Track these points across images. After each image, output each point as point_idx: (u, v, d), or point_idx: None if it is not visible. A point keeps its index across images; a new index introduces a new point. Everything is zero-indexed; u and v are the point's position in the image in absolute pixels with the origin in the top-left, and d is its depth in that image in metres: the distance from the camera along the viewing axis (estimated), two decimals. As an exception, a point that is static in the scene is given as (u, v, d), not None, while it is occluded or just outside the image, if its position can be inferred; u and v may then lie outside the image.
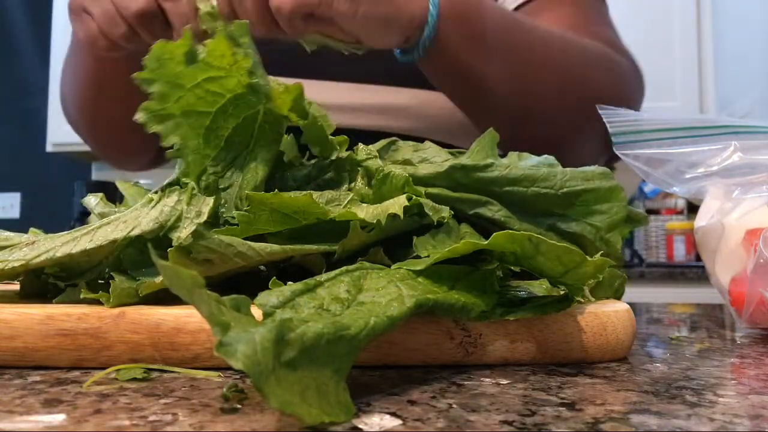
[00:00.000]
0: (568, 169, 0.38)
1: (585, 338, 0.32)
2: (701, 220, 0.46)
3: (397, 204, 0.33)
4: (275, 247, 0.33)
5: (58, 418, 0.22)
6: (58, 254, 0.32)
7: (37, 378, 0.28)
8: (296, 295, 0.26)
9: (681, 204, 2.51)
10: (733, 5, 2.44)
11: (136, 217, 0.33)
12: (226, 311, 0.21)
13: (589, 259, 0.30)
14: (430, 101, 0.71)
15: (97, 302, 0.32)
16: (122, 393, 0.26)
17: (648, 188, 2.52)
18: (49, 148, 2.77)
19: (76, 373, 0.30)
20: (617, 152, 0.47)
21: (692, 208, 2.42)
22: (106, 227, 0.33)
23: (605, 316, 0.33)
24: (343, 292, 0.27)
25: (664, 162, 0.47)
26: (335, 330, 0.23)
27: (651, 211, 2.55)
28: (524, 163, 0.39)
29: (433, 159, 0.39)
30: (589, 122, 0.59)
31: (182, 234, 0.32)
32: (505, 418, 0.23)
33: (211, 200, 0.34)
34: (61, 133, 2.69)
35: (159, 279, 0.32)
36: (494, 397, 0.26)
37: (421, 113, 0.70)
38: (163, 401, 0.24)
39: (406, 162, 0.39)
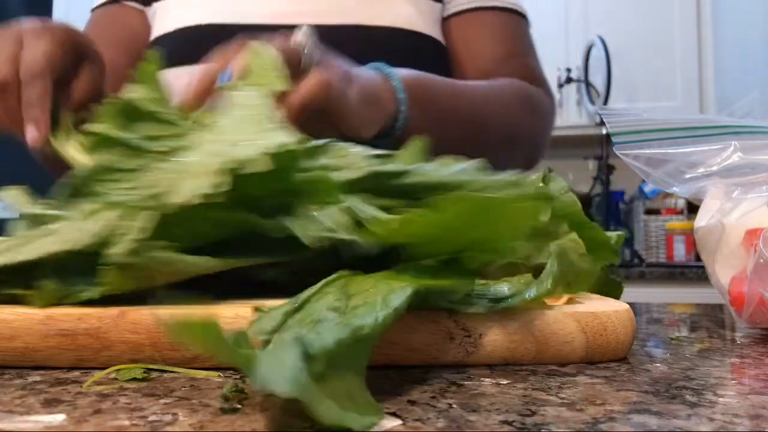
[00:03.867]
0: (490, 177, 0.39)
1: (585, 338, 0.32)
2: (701, 220, 0.46)
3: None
4: (215, 261, 0.33)
5: (58, 418, 0.22)
6: None
7: (37, 378, 0.28)
8: (288, 316, 0.26)
9: (681, 204, 2.50)
10: (733, 5, 2.44)
11: (78, 229, 0.33)
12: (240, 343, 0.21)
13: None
14: None
15: (97, 302, 0.32)
16: (122, 393, 0.26)
17: (648, 188, 2.52)
18: (49, 148, 2.77)
19: (76, 373, 0.30)
20: (617, 152, 0.47)
21: (692, 208, 2.41)
22: (45, 239, 0.32)
23: (605, 316, 0.33)
24: (334, 302, 0.27)
25: (664, 162, 0.47)
26: (351, 333, 0.23)
27: (651, 211, 2.55)
28: (447, 170, 0.39)
29: (355, 165, 0.39)
30: (515, 151, 0.78)
31: (118, 250, 0.31)
32: (505, 418, 0.23)
33: (155, 216, 0.34)
34: (61, 133, 2.69)
35: (85, 294, 0.32)
36: (494, 397, 0.26)
37: None
38: (163, 401, 0.24)
39: (326, 168, 0.39)
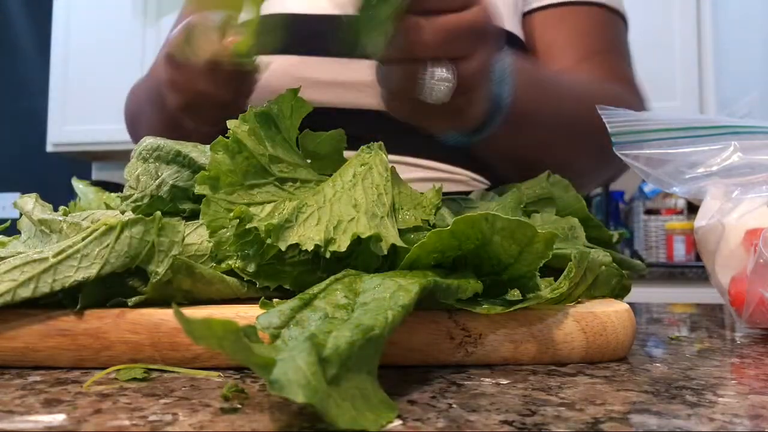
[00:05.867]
0: None
1: (585, 338, 0.32)
2: (701, 220, 0.46)
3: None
4: (245, 288, 0.34)
5: (58, 418, 0.22)
6: (18, 298, 0.30)
7: (37, 378, 0.28)
8: (296, 312, 0.26)
9: (681, 204, 2.50)
10: (733, 5, 2.44)
11: (101, 249, 0.32)
12: (259, 347, 0.21)
13: (539, 233, 0.30)
14: None
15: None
16: (122, 393, 0.26)
17: (648, 188, 2.52)
18: (49, 148, 2.77)
19: (76, 373, 0.30)
20: (617, 152, 0.47)
21: (692, 208, 2.42)
22: (68, 263, 0.31)
23: (605, 316, 0.33)
24: (342, 299, 0.27)
25: (664, 162, 0.47)
26: (363, 334, 0.23)
27: (651, 211, 2.55)
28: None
29: None
30: (598, 163, 0.67)
31: (160, 269, 0.32)
32: (505, 418, 0.23)
33: (181, 227, 0.34)
34: (61, 133, 2.68)
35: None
36: (494, 397, 0.26)
37: None
38: (163, 401, 0.24)
39: None
